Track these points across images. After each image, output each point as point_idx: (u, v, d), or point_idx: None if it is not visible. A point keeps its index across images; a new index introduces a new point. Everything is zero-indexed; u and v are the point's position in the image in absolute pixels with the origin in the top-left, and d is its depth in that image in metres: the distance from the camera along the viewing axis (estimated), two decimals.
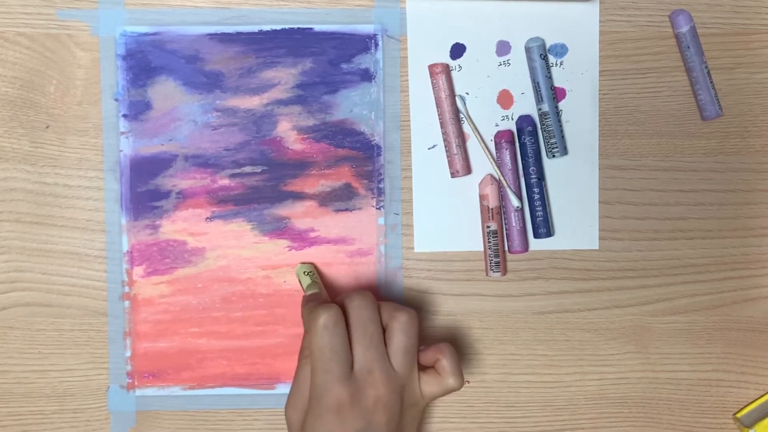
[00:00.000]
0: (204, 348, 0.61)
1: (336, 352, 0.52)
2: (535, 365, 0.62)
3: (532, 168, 0.60)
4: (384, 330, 0.54)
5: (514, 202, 0.60)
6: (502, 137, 0.60)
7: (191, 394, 0.61)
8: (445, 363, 0.54)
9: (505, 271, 0.61)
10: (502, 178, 0.60)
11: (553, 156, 0.60)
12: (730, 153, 0.61)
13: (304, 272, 0.59)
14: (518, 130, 0.60)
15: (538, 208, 0.60)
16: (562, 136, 0.60)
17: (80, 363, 0.61)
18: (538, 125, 0.60)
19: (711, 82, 0.60)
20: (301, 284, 0.59)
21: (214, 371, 0.61)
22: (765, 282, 0.62)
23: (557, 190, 0.61)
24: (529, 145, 0.60)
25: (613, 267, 0.61)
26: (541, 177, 0.60)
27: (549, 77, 0.59)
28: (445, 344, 0.55)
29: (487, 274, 0.60)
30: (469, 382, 0.62)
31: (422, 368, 0.55)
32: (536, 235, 0.60)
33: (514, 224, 0.60)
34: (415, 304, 0.61)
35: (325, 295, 0.58)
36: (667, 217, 0.61)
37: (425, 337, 0.61)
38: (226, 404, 0.61)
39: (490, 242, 0.60)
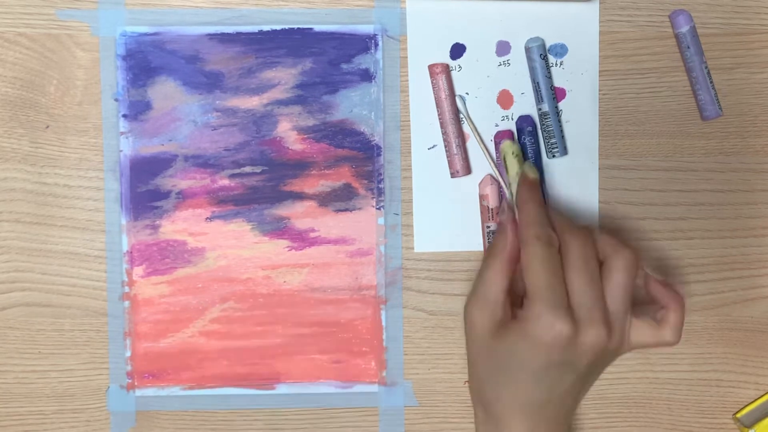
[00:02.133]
0: (204, 348, 0.61)
1: (561, 278, 0.50)
2: None
3: None
4: (600, 264, 0.52)
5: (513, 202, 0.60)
6: (502, 137, 0.60)
7: (191, 394, 0.61)
8: (673, 316, 0.52)
9: None
10: (500, 179, 0.60)
11: (553, 156, 0.60)
12: (730, 153, 0.61)
13: (513, 153, 0.56)
14: (518, 130, 0.60)
15: None
16: (562, 136, 0.60)
17: (80, 363, 0.61)
18: (538, 125, 0.60)
19: (711, 82, 0.60)
20: (506, 166, 0.56)
21: (214, 371, 0.61)
22: (765, 282, 0.62)
23: (557, 190, 0.61)
24: (529, 145, 0.60)
25: None
26: (541, 178, 0.60)
27: (549, 77, 0.59)
28: (679, 296, 0.53)
29: None
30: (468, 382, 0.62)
31: (635, 313, 0.53)
32: None
33: None
34: (416, 304, 0.61)
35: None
36: (667, 217, 0.61)
37: (423, 337, 0.61)
38: (226, 404, 0.61)
39: (490, 242, 0.60)
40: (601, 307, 0.51)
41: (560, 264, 0.51)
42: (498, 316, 0.52)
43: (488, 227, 0.60)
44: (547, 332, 0.50)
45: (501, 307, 0.52)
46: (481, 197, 0.60)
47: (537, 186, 0.55)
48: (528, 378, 0.51)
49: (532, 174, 0.56)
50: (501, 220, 0.55)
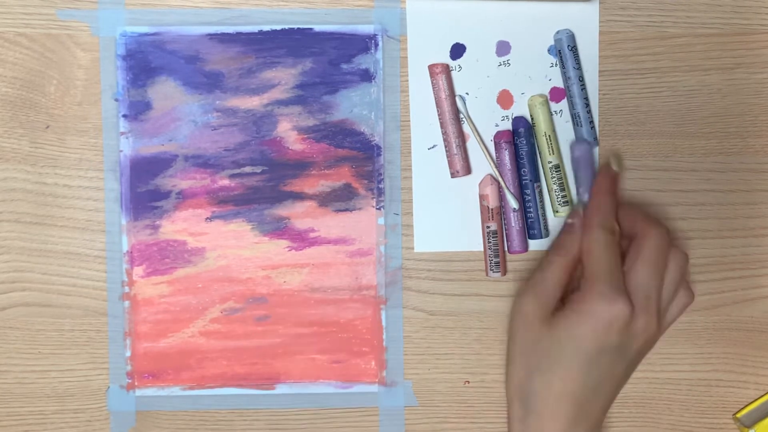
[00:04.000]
0: (204, 348, 0.61)
1: (618, 269, 0.53)
2: None
3: (524, 169, 0.60)
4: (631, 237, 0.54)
5: (512, 203, 0.60)
6: (502, 137, 0.60)
7: (191, 394, 0.61)
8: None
9: (505, 271, 0.61)
10: (500, 179, 0.60)
11: (596, 139, 0.60)
12: (730, 153, 0.61)
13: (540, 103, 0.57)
14: (513, 131, 0.60)
15: (530, 210, 0.60)
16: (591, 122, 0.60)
17: (80, 363, 0.61)
18: (582, 116, 0.59)
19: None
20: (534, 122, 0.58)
21: (214, 371, 0.61)
22: (765, 282, 0.62)
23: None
24: (521, 146, 0.59)
25: None
26: (535, 179, 0.60)
27: (578, 68, 0.59)
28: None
29: (487, 274, 0.60)
30: (468, 382, 0.62)
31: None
32: (529, 236, 0.60)
33: (513, 224, 0.60)
34: (416, 304, 0.61)
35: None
36: (667, 217, 0.61)
37: (423, 337, 0.62)
38: (226, 404, 0.61)
39: (490, 242, 0.60)
40: (657, 299, 0.53)
41: (619, 252, 0.53)
42: (551, 308, 0.54)
43: (488, 227, 0.60)
44: (607, 311, 0.51)
45: (556, 301, 0.54)
46: (481, 197, 0.60)
47: (616, 179, 0.57)
48: (582, 362, 0.52)
49: (615, 166, 0.58)
50: (571, 221, 0.56)
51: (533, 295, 0.54)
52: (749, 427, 0.61)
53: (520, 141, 0.60)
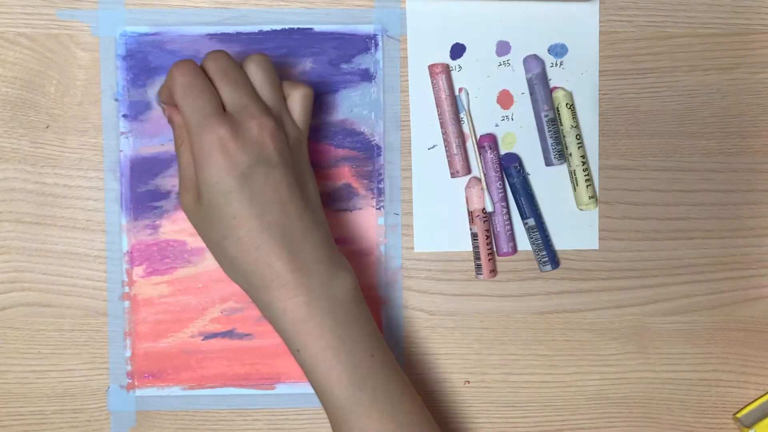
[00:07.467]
0: (204, 348, 0.61)
1: (202, 90, 0.51)
2: (535, 365, 0.62)
3: (523, 208, 0.60)
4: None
5: (488, 206, 0.59)
6: (485, 141, 0.60)
7: (191, 394, 0.61)
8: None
9: (490, 274, 0.60)
10: (484, 182, 0.60)
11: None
12: (730, 153, 0.61)
13: (567, 105, 0.56)
14: (504, 168, 0.60)
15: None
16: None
17: (80, 363, 0.61)
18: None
19: (550, 130, 0.59)
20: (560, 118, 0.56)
21: (214, 371, 0.61)
22: (765, 282, 0.62)
23: (557, 191, 0.61)
24: (518, 183, 0.60)
25: (613, 267, 0.61)
26: (529, 193, 0.60)
27: None
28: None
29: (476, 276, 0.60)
30: (468, 382, 0.62)
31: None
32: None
33: (499, 227, 0.60)
34: (416, 304, 0.61)
35: None
36: (667, 217, 0.61)
37: (423, 337, 0.62)
38: (226, 404, 0.61)
39: (473, 245, 0.60)
40: (253, 101, 0.52)
41: (205, 77, 0.52)
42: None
43: (471, 230, 0.60)
44: (210, 138, 0.50)
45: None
46: (466, 200, 0.60)
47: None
48: (238, 198, 0.50)
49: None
50: (167, 117, 0.55)
51: (183, 188, 0.53)
52: (749, 427, 0.61)
53: (513, 180, 0.59)
